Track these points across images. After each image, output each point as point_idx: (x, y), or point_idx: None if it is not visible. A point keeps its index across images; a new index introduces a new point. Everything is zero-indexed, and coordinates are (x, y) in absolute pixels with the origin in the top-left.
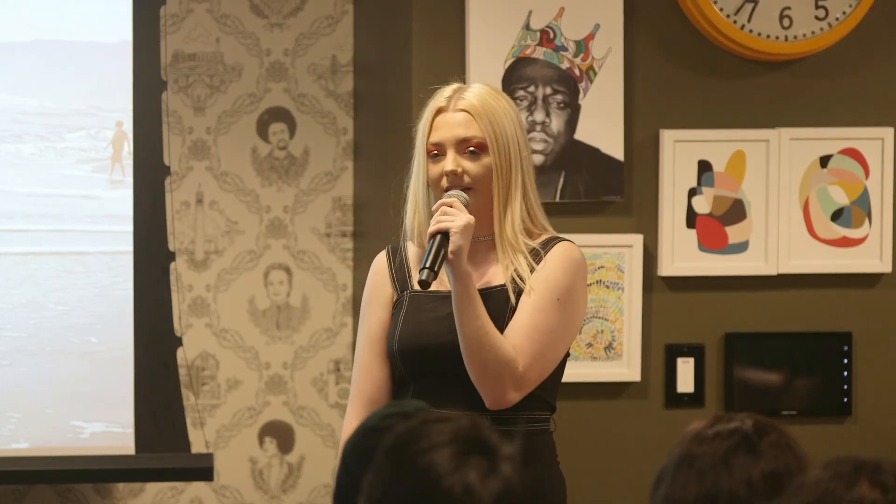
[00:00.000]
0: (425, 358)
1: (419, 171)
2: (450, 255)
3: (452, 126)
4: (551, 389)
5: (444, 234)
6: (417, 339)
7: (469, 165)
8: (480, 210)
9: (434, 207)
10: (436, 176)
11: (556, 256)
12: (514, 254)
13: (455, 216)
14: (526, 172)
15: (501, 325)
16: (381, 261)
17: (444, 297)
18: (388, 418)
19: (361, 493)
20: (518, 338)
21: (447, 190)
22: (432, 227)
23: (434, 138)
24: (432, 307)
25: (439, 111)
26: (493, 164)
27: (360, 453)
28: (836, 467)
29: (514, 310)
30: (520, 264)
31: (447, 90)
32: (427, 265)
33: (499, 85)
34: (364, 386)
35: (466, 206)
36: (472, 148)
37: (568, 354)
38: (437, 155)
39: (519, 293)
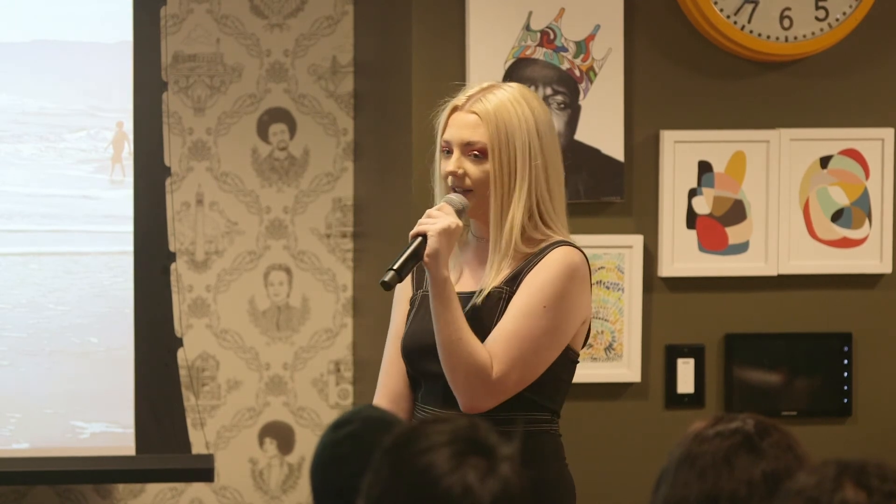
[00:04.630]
0: (427, 358)
1: (436, 165)
2: (425, 259)
3: (461, 127)
4: (549, 394)
5: (424, 237)
6: (420, 340)
7: (471, 168)
8: (482, 213)
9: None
10: (444, 172)
11: (552, 261)
12: (494, 260)
13: (437, 220)
14: (536, 181)
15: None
16: None
17: None
18: (354, 413)
19: (360, 493)
20: (497, 343)
21: (452, 188)
22: (413, 230)
23: (446, 136)
24: None
25: (455, 109)
26: (491, 171)
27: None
28: (820, 471)
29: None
30: (492, 272)
31: (474, 87)
32: (393, 266)
33: None
34: (388, 382)
35: (464, 209)
36: (475, 152)
37: (576, 361)
38: (447, 152)
39: (488, 299)
